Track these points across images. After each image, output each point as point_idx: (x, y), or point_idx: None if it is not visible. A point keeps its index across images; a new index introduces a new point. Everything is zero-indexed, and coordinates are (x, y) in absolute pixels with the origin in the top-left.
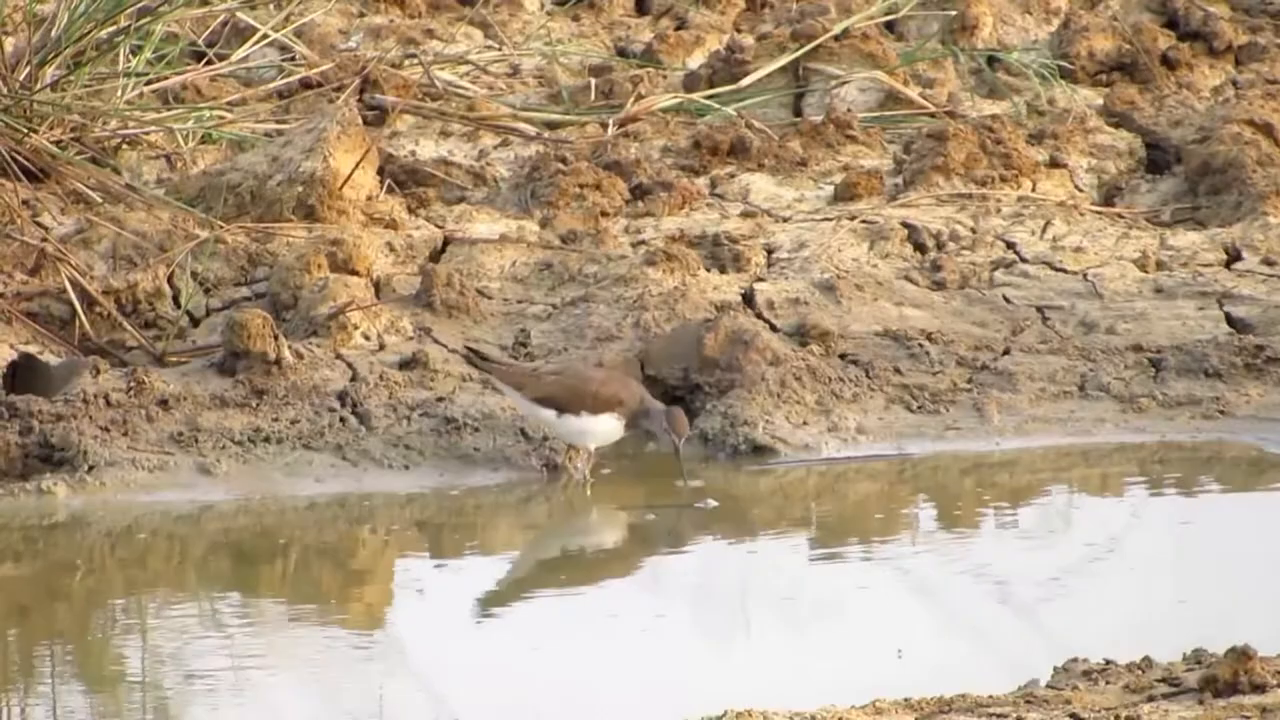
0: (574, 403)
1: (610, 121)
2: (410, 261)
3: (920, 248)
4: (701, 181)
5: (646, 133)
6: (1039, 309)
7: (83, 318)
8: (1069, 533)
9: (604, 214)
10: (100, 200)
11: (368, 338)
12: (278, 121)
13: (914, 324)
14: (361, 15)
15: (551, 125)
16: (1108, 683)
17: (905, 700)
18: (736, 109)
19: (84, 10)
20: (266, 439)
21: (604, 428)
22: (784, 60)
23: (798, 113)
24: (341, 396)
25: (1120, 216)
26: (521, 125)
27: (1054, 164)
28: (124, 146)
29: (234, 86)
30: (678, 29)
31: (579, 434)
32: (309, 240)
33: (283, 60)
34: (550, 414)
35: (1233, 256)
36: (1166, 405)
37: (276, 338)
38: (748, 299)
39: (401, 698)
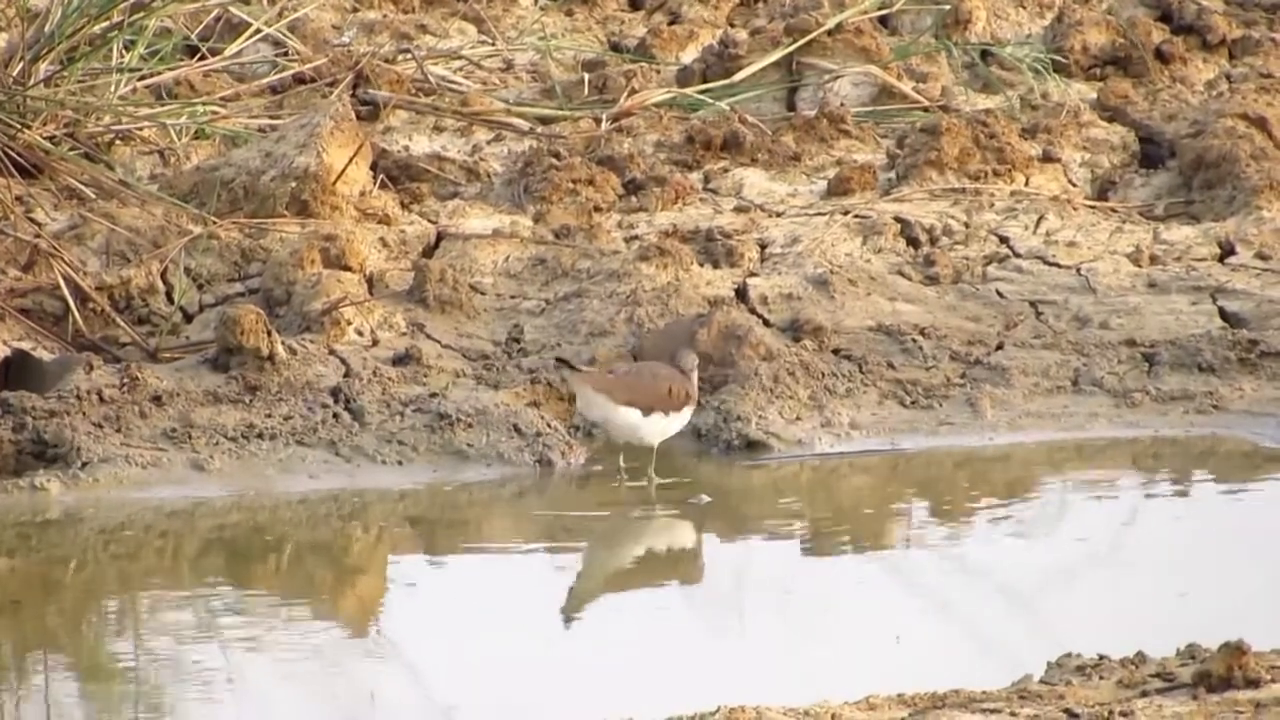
0: (658, 403)
1: (603, 116)
2: (403, 257)
3: (913, 242)
4: (695, 176)
5: (639, 128)
6: (1032, 304)
7: (76, 314)
8: (1062, 528)
9: (597, 209)
10: (93, 196)
11: (361, 333)
12: (271, 117)
13: (907, 319)
14: (355, 10)
15: (545, 120)
16: (1101, 678)
17: (899, 695)
18: (730, 104)
19: (77, 5)
20: (260, 435)
21: (680, 424)
22: (777, 55)
23: (791, 107)
24: (335, 392)
25: (1114, 211)
26: (515, 120)
27: (1047, 158)
28: (117, 142)
29: (227, 82)
30: (671, 24)
31: (660, 433)
32: (302, 236)
33: (276, 55)
34: (636, 415)
35: (1226, 251)
36: (1160, 400)
37: (270, 334)
38: (741, 294)
39: (394, 693)
